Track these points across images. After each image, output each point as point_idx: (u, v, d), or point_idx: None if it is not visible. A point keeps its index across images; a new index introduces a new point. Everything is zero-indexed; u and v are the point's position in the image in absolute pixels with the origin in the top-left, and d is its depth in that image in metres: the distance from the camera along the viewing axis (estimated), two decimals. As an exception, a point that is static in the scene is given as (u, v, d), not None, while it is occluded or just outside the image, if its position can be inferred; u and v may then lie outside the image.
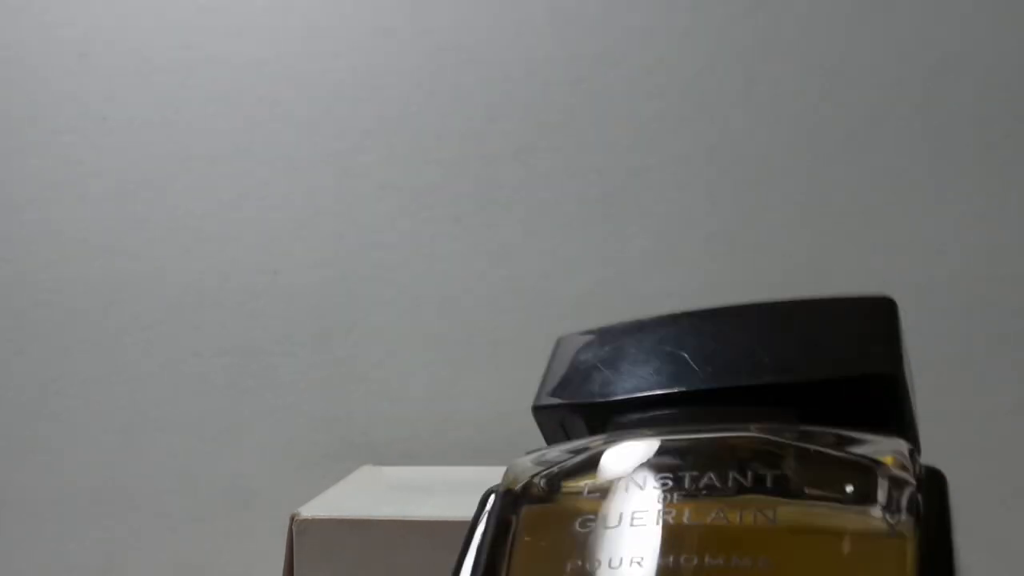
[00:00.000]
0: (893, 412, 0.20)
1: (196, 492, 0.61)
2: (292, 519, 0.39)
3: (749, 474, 0.17)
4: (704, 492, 0.17)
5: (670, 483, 0.17)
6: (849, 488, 0.17)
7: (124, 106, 0.62)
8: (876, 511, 0.17)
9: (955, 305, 0.55)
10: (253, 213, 0.61)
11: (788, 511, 0.17)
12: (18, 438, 0.62)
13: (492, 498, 0.20)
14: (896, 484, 0.17)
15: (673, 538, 0.17)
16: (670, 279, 0.58)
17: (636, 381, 0.21)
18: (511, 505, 0.19)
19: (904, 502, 0.16)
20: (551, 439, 0.23)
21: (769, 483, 0.17)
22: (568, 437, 0.23)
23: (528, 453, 0.21)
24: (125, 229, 0.62)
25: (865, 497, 0.17)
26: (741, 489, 0.17)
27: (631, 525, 0.17)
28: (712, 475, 0.17)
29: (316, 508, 0.40)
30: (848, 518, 0.17)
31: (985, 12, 0.56)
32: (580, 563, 0.17)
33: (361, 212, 0.60)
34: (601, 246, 0.59)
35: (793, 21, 0.58)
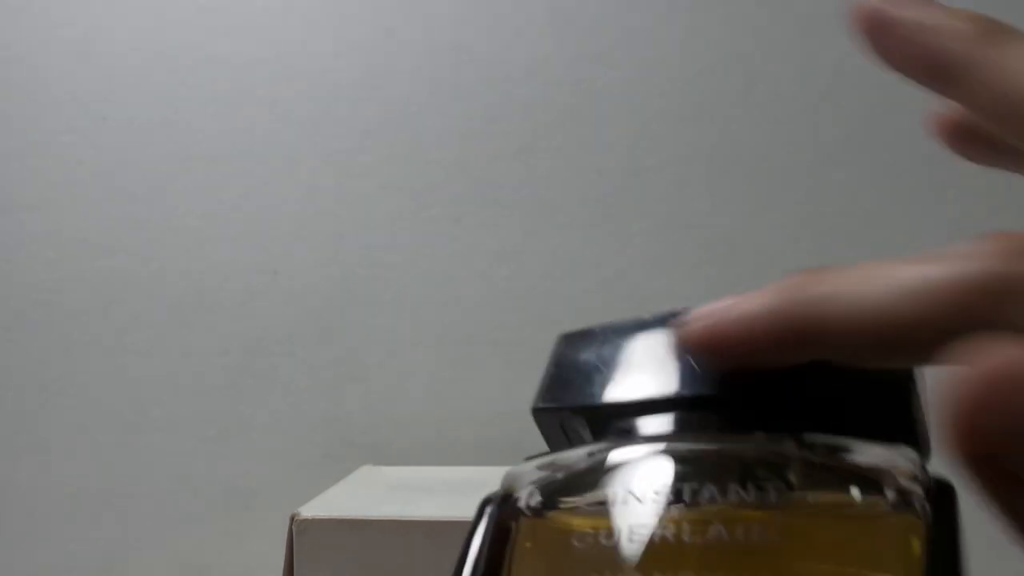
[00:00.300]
0: (904, 415, 0.19)
1: (196, 492, 0.61)
2: (292, 519, 0.39)
3: (751, 487, 0.17)
4: (705, 506, 0.17)
5: (670, 496, 0.17)
6: (855, 501, 0.17)
7: (124, 106, 0.62)
8: (883, 524, 0.16)
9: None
10: (253, 213, 0.61)
11: (791, 527, 0.17)
12: (18, 438, 0.62)
13: (490, 505, 0.19)
14: (904, 495, 0.16)
15: (672, 555, 0.16)
16: (670, 279, 0.58)
17: (638, 384, 0.21)
18: (510, 512, 0.19)
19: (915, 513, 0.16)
20: (551, 440, 0.23)
21: (772, 497, 0.17)
22: (568, 438, 0.22)
23: (527, 459, 0.20)
24: (125, 229, 0.62)
25: (871, 510, 0.17)
26: (743, 503, 0.17)
27: (630, 541, 0.17)
28: (713, 488, 0.17)
29: (316, 508, 0.40)
30: (853, 533, 0.17)
31: (985, 12, 0.56)
32: None
33: (361, 212, 0.60)
34: (601, 246, 0.59)
35: (793, 21, 0.58)
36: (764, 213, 0.58)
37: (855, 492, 0.17)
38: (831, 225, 0.57)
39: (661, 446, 0.19)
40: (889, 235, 0.56)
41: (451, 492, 0.45)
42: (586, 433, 0.22)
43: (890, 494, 0.17)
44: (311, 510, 0.39)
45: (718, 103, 0.58)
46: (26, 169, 0.63)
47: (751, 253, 0.57)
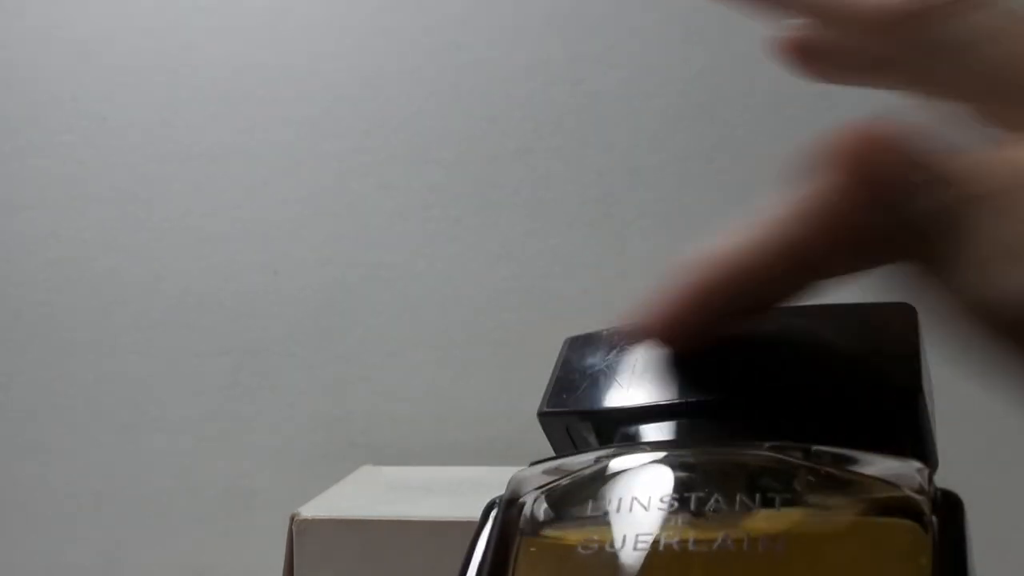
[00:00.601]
0: (910, 428, 0.19)
1: (196, 492, 0.61)
2: (292, 519, 0.39)
3: (757, 496, 0.17)
4: (711, 515, 0.17)
5: (676, 504, 0.17)
6: (861, 512, 0.17)
7: (124, 106, 0.62)
8: (889, 536, 0.16)
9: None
10: (253, 213, 0.61)
11: (796, 537, 0.17)
12: (18, 438, 0.62)
13: (495, 509, 0.19)
14: (911, 508, 0.16)
15: (677, 564, 0.16)
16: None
17: (644, 390, 0.21)
18: (516, 516, 0.19)
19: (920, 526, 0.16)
20: (557, 445, 0.23)
21: (778, 507, 0.17)
22: (574, 443, 0.22)
23: (533, 464, 0.20)
24: (125, 229, 0.62)
25: (878, 521, 0.17)
26: (749, 512, 0.17)
27: (634, 549, 0.16)
28: (719, 497, 0.17)
29: (316, 508, 0.40)
30: (859, 545, 0.17)
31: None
32: None
33: (361, 212, 0.60)
34: (601, 246, 0.59)
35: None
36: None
37: (862, 504, 0.17)
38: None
39: (667, 453, 0.19)
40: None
41: (451, 492, 0.45)
42: (592, 438, 0.22)
43: (897, 506, 0.17)
44: (311, 510, 0.39)
45: (718, 103, 0.58)
46: (26, 169, 0.63)
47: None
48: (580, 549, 0.17)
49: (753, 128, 0.58)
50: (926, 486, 0.17)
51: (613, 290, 0.58)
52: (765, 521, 0.17)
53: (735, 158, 0.58)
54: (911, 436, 0.19)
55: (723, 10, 0.58)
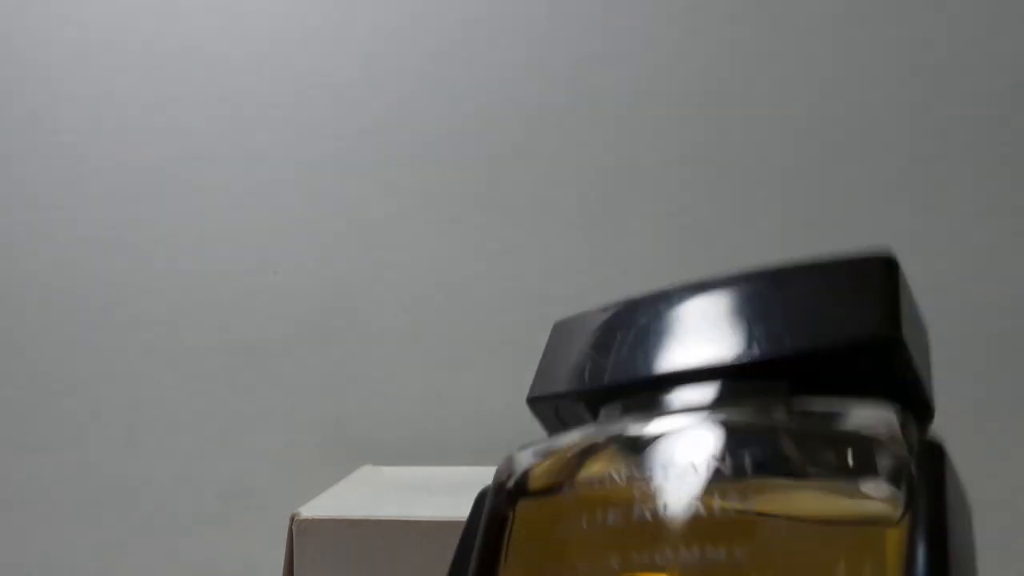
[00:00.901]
0: (895, 377, 0.19)
1: (196, 492, 0.61)
2: (292, 519, 0.39)
3: (728, 460, 0.17)
4: (684, 481, 0.17)
5: (650, 474, 0.17)
6: (838, 466, 0.17)
7: (124, 106, 0.62)
8: (866, 489, 0.16)
9: (955, 305, 0.55)
10: (253, 213, 0.61)
11: (769, 497, 0.17)
12: (18, 438, 0.62)
13: (486, 496, 0.19)
14: (889, 457, 0.16)
15: (650, 532, 0.16)
16: (670, 279, 0.58)
17: (626, 365, 0.21)
18: (505, 500, 0.19)
19: (898, 475, 0.16)
20: (550, 428, 0.23)
21: (749, 469, 0.17)
22: (565, 426, 0.23)
23: (520, 448, 0.20)
24: (125, 229, 0.62)
25: (855, 474, 0.17)
26: (720, 476, 0.17)
27: (608, 523, 0.17)
28: (703, 463, 0.17)
29: (316, 508, 0.40)
30: (833, 501, 0.17)
31: (985, 12, 0.56)
32: (564, 563, 0.17)
33: (361, 212, 0.60)
34: (601, 246, 0.59)
35: (793, 21, 0.58)
36: (763, 213, 0.58)
37: (837, 463, 0.17)
38: (831, 225, 0.57)
39: (643, 425, 0.19)
40: (888, 235, 0.56)
41: (451, 492, 0.45)
42: (588, 416, 0.22)
43: (874, 457, 0.17)
44: (311, 510, 0.39)
45: (718, 103, 0.58)
46: (26, 169, 0.63)
47: (750, 253, 0.57)
48: (560, 529, 0.17)
49: (753, 128, 0.58)
50: (904, 435, 0.17)
51: (613, 290, 0.58)
52: (741, 484, 0.17)
53: (735, 158, 0.58)
54: (898, 386, 0.19)
55: (723, 9, 0.58)
